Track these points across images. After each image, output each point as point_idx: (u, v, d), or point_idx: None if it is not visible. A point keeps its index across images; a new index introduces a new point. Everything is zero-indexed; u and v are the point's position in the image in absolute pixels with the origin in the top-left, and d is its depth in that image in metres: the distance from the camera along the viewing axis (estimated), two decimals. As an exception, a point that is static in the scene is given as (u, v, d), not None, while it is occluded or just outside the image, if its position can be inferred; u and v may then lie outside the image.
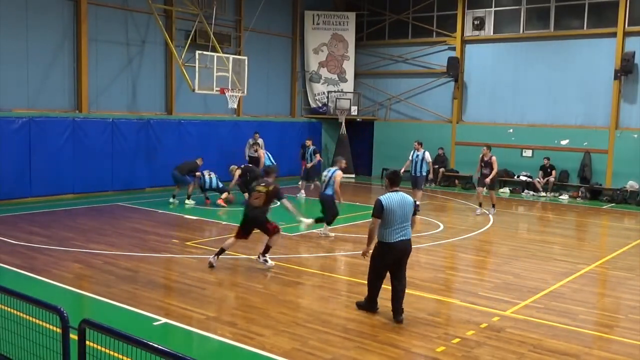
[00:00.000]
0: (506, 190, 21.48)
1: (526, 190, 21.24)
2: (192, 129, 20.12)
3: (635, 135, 19.84)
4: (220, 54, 18.11)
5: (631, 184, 19.68)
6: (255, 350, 6.49)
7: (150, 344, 3.85)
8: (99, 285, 8.74)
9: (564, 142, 21.08)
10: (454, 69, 22.99)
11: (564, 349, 6.78)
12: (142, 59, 19.29)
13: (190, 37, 19.07)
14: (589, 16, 20.82)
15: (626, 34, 20.01)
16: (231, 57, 18.38)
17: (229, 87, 18.00)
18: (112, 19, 18.32)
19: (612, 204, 19.35)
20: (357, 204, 17.66)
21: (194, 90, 17.59)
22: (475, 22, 22.95)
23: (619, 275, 10.41)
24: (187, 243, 11.67)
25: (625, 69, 19.67)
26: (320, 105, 25.56)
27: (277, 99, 24.42)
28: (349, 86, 25.69)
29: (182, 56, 18.14)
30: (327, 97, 25.34)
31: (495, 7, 22.74)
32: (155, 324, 7.29)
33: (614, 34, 20.15)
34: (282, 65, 24.60)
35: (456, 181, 22.97)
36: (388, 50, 25.36)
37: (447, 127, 23.62)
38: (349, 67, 25.73)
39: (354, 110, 24.83)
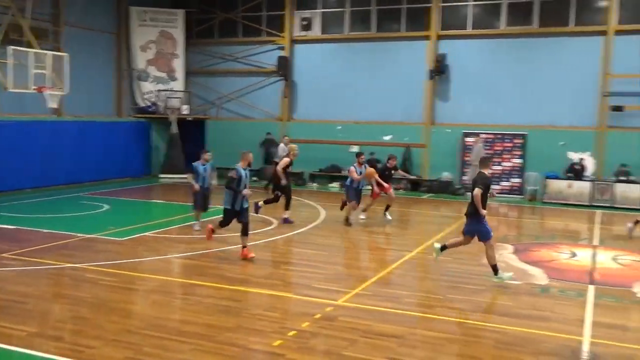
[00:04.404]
0: (335, 184, 22.38)
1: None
2: (5, 131, 18.45)
3: (449, 130, 21.66)
4: (37, 50, 16.87)
5: (446, 175, 21.53)
6: (84, 363, 6.15)
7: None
8: None
9: (387, 138, 22.43)
10: (284, 68, 23.48)
11: (391, 332, 7.22)
12: (-58, 54, 17.35)
13: (2, 31, 17.49)
14: (408, 20, 22.37)
15: (439, 37, 21.78)
16: (50, 53, 17.21)
17: (48, 86, 16.84)
18: None
19: (431, 194, 21.02)
20: (190, 204, 17.37)
21: (6, 88, 16.19)
22: (303, 23, 23.61)
23: (437, 258, 11.30)
24: (4, 255, 10.70)
25: (438, 70, 21.39)
26: (149, 104, 24.75)
27: (101, 98, 23.24)
28: (179, 85, 25.17)
29: (-8, 52, 16.63)
30: (157, 96, 24.62)
31: (321, 8, 23.57)
32: (-33, 346, 6.62)
33: (428, 37, 21.84)
34: (107, 63, 23.48)
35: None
36: (219, 49, 25.23)
37: (278, 125, 24.06)
38: (178, 65, 25.20)
39: (186, 109, 24.41)
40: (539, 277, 9.93)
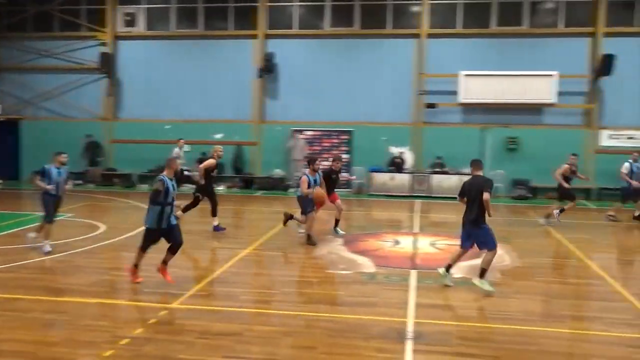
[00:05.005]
0: (168, 185, 21.82)
1: (185, 184, 21.85)
2: None
3: (279, 128, 22.07)
4: None
5: (277, 172, 21.95)
6: None
7: None
8: None
9: (217, 136, 22.31)
10: (107, 65, 22.42)
11: (228, 330, 7.23)
12: None
13: None
14: (235, 18, 22.44)
15: (267, 37, 22.09)
16: None
17: None
18: None
19: (263, 191, 21.29)
20: (7, 212, 16.01)
21: None
22: (127, 19, 22.71)
23: (271, 254, 11.51)
24: None
25: (266, 68, 21.69)
26: (-48, 103, 22.37)
27: None
28: (-13, 82, 23.03)
29: None
30: (-39, 95, 22.33)
31: (146, 4, 22.82)
32: None
33: (256, 36, 22.07)
34: None
35: (115, 180, 22.49)
36: (33, 44, 23.44)
37: (103, 125, 22.93)
38: (-14, 60, 23.05)
39: (-4, 109, 22.43)
40: (367, 265, 10.51)
